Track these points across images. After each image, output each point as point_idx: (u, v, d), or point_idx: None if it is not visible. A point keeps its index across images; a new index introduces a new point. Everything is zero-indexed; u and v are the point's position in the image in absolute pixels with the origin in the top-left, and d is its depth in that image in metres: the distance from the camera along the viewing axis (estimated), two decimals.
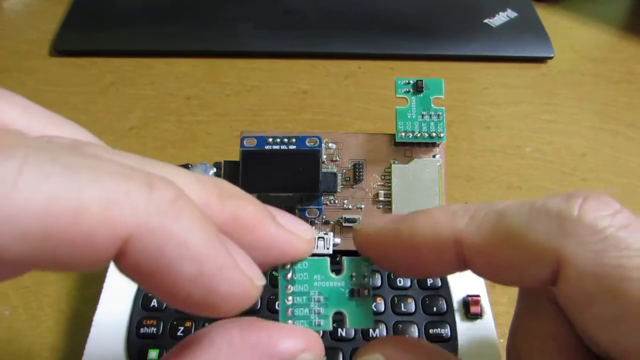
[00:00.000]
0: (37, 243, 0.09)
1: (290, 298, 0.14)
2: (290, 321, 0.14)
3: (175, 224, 0.10)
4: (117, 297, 0.26)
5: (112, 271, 0.27)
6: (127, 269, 0.10)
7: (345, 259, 0.15)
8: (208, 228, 0.11)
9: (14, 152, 0.09)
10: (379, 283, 0.26)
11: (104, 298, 0.26)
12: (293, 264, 0.15)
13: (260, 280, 0.12)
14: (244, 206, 0.13)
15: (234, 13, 0.47)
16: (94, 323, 0.25)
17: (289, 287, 0.15)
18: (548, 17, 0.49)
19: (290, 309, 0.14)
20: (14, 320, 0.28)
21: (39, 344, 0.28)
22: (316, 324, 0.14)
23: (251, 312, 0.25)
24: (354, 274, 0.15)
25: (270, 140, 0.26)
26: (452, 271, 0.14)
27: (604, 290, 0.11)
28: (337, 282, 0.15)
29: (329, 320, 0.15)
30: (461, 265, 0.14)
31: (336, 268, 0.15)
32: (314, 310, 0.14)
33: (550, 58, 0.45)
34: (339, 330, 0.25)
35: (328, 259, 0.15)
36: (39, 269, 0.09)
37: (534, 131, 0.40)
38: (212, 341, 0.12)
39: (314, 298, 0.15)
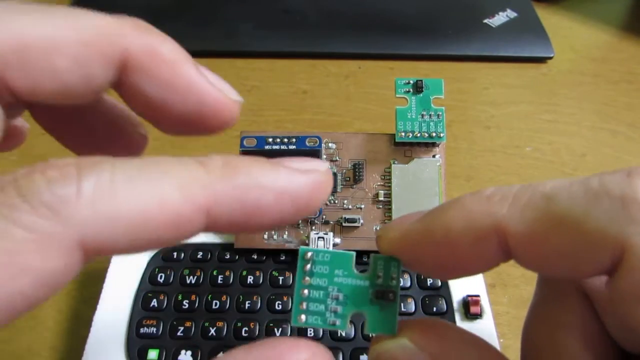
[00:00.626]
0: (137, 234, 0.11)
1: (306, 291, 0.14)
2: (302, 315, 0.13)
3: (237, 178, 0.12)
4: (117, 297, 0.26)
5: (112, 271, 0.27)
6: (225, 228, 0.12)
7: (372, 257, 0.14)
8: (259, 160, 0.13)
9: (103, 166, 0.11)
10: None
11: (104, 298, 0.26)
12: (314, 253, 0.14)
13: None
14: (163, 41, 0.14)
15: (234, 13, 0.47)
16: (94, 323, 0.25)
17: (306, 279, 0.14)
18: (548, 17, 0.49)
19: (305, 303, 0.13)
20: None
21: (39, 343, 0.28)
22: (331, 323, 0.13)
23: (251, 312, 0.25)
24: (380, 274, 0.14)
25: (270, 140, 0.26)
26: (495, 264, 0.13)
27: None
28: (361, 281, 0.14)
29: (345, 320, 0.13)
30: (505, 256, 0.13)
31: (363, 267, 0.14)
32: (331, 308, 0.13)
33: (550, 58, 0.45)
34: (339, 330, 0.24)
35: (354, 254, 0.14)
36: (145, 250, 0.11)
37: (534, 131, 0.40)
38: None
39: (332, 295, 0.14)
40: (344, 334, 0.24)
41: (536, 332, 0.14)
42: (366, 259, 0.14)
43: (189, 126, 0.15)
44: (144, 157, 0.12)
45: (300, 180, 0.13)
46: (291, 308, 0.14)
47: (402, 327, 0.14)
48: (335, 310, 0.13)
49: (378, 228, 0.26)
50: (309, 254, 0.14)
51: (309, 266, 0.14)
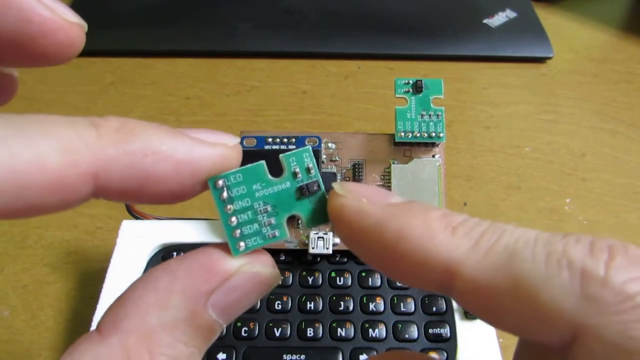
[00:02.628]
0: (14, 194, 0.10)
1: (233, 219, 0.13)
2: (241, 243, 0.13)
3: (131, 143, 0.11)
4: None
5: (112, 271, 0.27)
6: (116, 196, 0.12)
7: (282, 157, 0.13)
8: (160, 126, 0.12)
9: None
10: (378, 283, 0.26)
11: (104, 298, 0.26)
12: (225, 179, 0.13)
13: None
14: None
15: (233, 13, 0.47)
16: (93, 323, 0.25)
17: (228, 207, 0.13)
18: (547, 17, 0.49)
19: (237, 230, 0.13)
20: (13, 320, 0.28)
21: (39, 343, 0.28)
22: (270, 236, 0.13)
23: (251, 311, 0.25)
24: (297, 170, 0.13)
25: (270, 140, 0.26)
26: (430, 290, 0.12)
27: None
28: (282, 185, 0.13)
29: (283, 227, 0.13)
30: (443, 291, 0.12)
31: (276, 170, 0.14)
32: (264, 223, 0.13)
33: (550, 58, 0.45)
34: (339, 330, 0.25)
35: (263, 162, 0.13)
36: (27, 216, 0.11)
37: (533, 131, 0.40)
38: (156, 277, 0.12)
39: (260, 210, 0.13)
40: (344, 334, 0.24)
41: None
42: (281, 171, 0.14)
43: (19, 51, 0.13)
44: (34, 114, 0.11)
45: (204, 151, 0.12)
46: (227, 244, 0.13)
47: None
48: (269, 223, 0.13)
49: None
50: (220, 181, 0.13)
51: (225, 194, 0.13)
